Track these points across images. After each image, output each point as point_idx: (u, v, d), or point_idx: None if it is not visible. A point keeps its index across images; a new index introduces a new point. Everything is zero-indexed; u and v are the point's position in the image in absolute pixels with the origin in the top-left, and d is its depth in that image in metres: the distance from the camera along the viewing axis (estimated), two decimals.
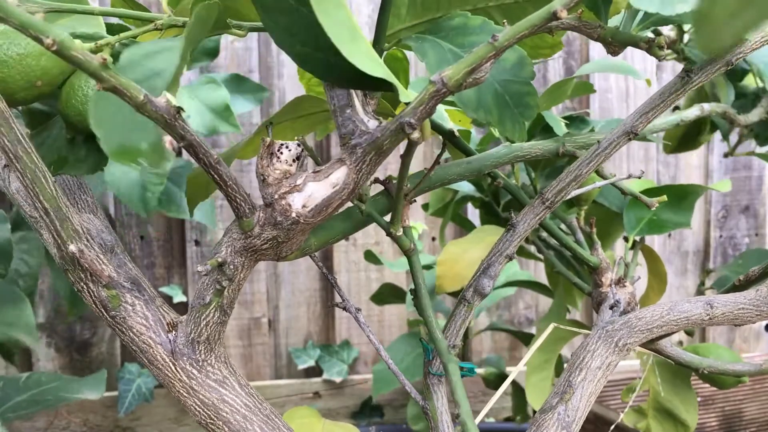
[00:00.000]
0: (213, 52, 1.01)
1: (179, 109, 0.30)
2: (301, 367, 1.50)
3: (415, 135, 0.31)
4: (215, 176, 0.35)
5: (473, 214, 1.46)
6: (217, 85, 0.90)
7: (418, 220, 1.54)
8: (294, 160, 0.37)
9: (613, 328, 0.53)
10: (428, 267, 1.21)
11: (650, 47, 0.40)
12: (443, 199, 1.08)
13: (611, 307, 0.60)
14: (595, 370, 0.51)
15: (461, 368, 0.48)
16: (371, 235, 1.53)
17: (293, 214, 0.37)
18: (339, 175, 0.36)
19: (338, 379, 1.50)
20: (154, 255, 1.44)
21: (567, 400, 0.50)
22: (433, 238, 1.57)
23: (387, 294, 1.28)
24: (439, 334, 0.47)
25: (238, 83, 1.07)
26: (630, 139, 0.48)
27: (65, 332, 1.41)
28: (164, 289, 1.43)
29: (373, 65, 0.25)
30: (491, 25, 0.40)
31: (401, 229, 0.43)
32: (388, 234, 0.43)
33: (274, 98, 1.48)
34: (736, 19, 0.13)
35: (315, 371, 1.53)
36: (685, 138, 1.03)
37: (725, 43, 0.14)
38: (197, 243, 1.45)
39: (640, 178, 0.57)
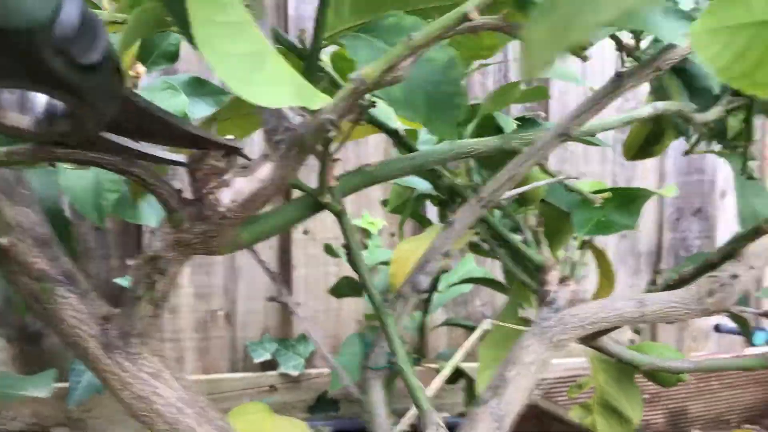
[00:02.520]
0: (172, 56, 1.00)
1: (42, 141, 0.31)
2: (257, 360, 1.50)
3: (331, 133, 0.31)
4: (132, 178, 0.36)
5: (432, 211, 1.47)
6: (176, 92, 0.89)
7: (377, 216, 1.55)
8: (223, 156, 0.38)
9: (548, 324, 0.55)
10: (386, 263, 1.21)
11: (574, 50, 0.41)
12: (402, 197, 1.09)
13: (547, 304, 0.61)
14: (528, 365, 0.53)
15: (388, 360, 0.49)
16: (330, 229, 1.53)
17: (221, 209, 0.37)
18: (265, 170, 0.37)
19: (295, 373, 1.51)
20: (109, 246, 1.43)
21: (500, 394, 0.51)
22: (392, 234, 1.58)
23: (345, 287, 1.28)
24: (374, 289, 0.48)
25: (197, 86, 1.06)
26: (563, 141, 0.49)
27: (16, 323, 1.39)
28: (119, 281, 1.42)
29: (275, 94, 0.25)
30: (422, 25, 0.41)
31: (329, 197, 0.44)
32: (317, 202, 0.44)
33: None
34: (546, 47, 0.14)
35: (271, 365, 1.53)
36: (646, 145, 1.05)
37: (540, 66, 0.15)
38: (154, 233, 1.44)
39: (577, 179, 0.59)
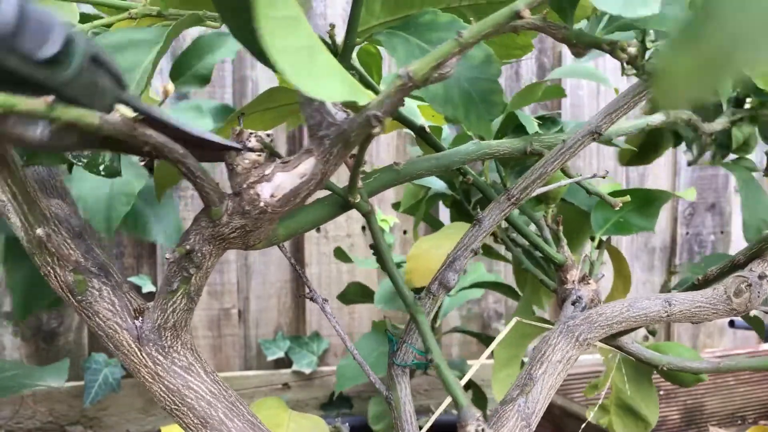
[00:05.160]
0: (204, 79, 1.01)
1: (135, 119, 0.31)
2: (270, 358, 1.50)
3: (377, 129, 0.31)
4: (183, 170, 0.36)
5: (444, 214, 1.47)
6: (202, 113, 0.90)
7: (389, 213, 1.55)
8: (263, 150, 0.38)
9: (574, 323, 0.55)
10: (398, 265, 1.22)
11: (613, 50, 0.41)
12: (416, 197, 1.09)
13: (573, 303, 0.61)
14: (555, 364, 0.53)
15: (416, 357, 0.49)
16: (343, 227, 1.53)
17: (261, 204, 0.37)
18: (307, 165, 0.37)
19: (308, 371, 1.51)
20: (123, 244, 1.44)
21: (527, 392, 0.51)
22: (405, 231, 1.58)
23: (354, 293, 1.28)
24: (407, 290, 0.48)
25: (226, 113, 1.07)
26: (594, 139, 0.49)
27: (32, 321, 1.40)
28: (133, 279, 1.43)
29: (330, 88, 0.25)
30: (459, 23, 0.41)
31: (358, 197, 0.45)
32: (346, 201, 0.44)
33: (247, 89, 1.48)
34: (692, 81, 0.13)
35: (284, 362, 1.53)
36: (640, 152, 1.05)
37: (681, 101, 0.14)
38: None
39: (604, 177, 0.59)
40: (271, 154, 0.39)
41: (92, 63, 0.31)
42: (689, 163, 0.96)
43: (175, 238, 1.12)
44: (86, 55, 0.30)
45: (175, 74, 1.02)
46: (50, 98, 0.28)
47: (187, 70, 1.02)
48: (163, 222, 1.11)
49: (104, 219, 0.88)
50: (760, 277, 0.55)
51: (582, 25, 0.47)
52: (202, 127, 0.88)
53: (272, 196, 0.37)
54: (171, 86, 1.02)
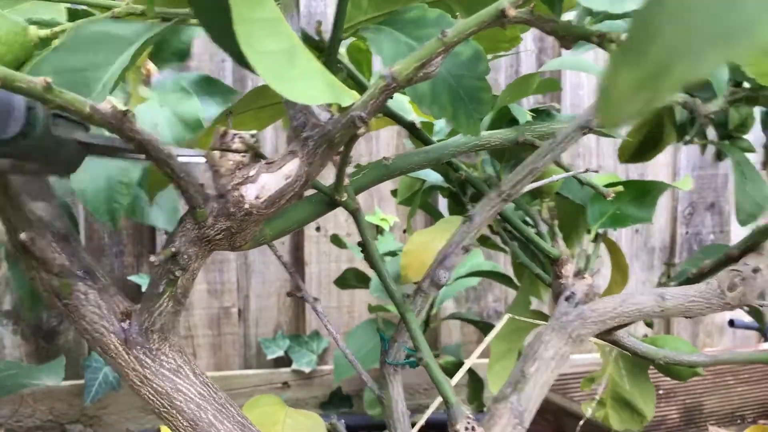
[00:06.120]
0: (183, 54, 1.00)
1: (125, 113, 0.31)
2: (270, 357, 1.50)
3: (361, 130, 0.31)
4: (167, 170, 0.36)
5: (443, 203, 1.47)
6: (188, 94, 0.89)
7: (389, 212, 1.55)
8: (247, 151, 0.37)
9: (567, 319, 0.54)
10: (394, 254, 1.22)
11: (602, 41, 0.40)
12: (412, 188, 1.09)
13: (567, 299, 0.61)
14: (548, 361, 0.52)
15: (407, 356, 0.49)
16: (343, 226, 1.53)
17: (246, 206, 0.37)
18: (292, 167, 0.36)
19: (307, 370, 1.51)
20: (123, 243, 1.43)
21: (520, 389, 0.51)
22: (404, 231, 1.58)
23: (351, 278, 1.28)
24: (394, 286, 0.48)
25: (207, 85, 1.06)
26: (584, 133, 0.49)
27: (32, 320, 1.40)
28: (133, 278, 1.42)
29: (310, 91, 0.25)
30: (447, 18, 0.40)
31: (345, 195, 0.45)
32: (333, 199, 0.44)
33: (247, 89, 1.48)
34: (633, 98, 0.13)
35: (284, 361, 1.53)
36: (641, 148, 1.04)
37: (623, 119, 0.14)
38: (167, 232, 1.45)
39: (597, 172, 0.58)
40: (256, 155, 0.38)
41: (53, 118, 0.33)
42: (685, 143, 0.95)
43: (173, 220, 1.13)
44: (47, 116, 0.33)
45: (155, 53, 1.01)
46: (49, 79, 0.29)
47: (166, 47, 1.01)
48: (161, 205, 1.11)
49: (107, 211, 0.88)
50: (754, 270, 0.55)
51: (572, 14, 0.47)
52: (193, 107, 0.88)
53: (257, 197, 0.37)
54: (152, 65, 1.01)
